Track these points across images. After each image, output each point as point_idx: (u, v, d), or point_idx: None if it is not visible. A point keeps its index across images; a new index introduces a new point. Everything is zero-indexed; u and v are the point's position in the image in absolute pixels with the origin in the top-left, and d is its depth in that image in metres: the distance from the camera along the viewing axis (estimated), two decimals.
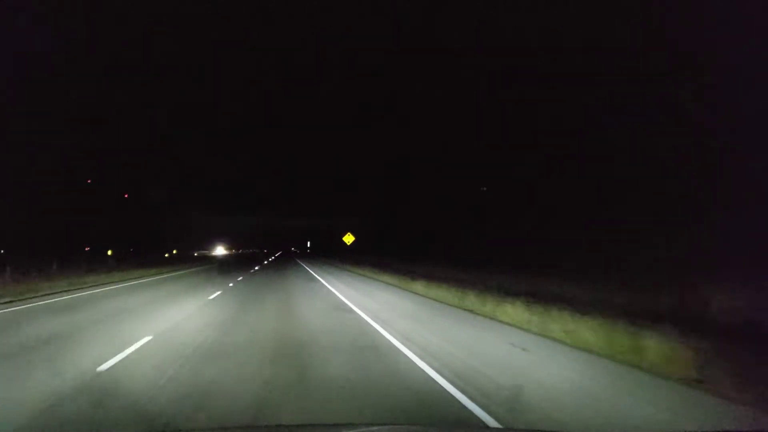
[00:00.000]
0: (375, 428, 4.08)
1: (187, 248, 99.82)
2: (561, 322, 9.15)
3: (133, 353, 7.61)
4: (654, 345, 6.90)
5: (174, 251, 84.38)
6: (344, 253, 52.89)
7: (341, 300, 15.95)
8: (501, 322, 11.05)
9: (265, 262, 54.38)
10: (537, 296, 12.53)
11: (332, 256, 68.70)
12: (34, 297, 15.96)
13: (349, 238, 41.48)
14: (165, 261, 53.70)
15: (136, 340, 8.51)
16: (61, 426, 4.62)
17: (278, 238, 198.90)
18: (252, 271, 35.82)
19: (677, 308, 10.97)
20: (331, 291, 19.66)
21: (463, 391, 5.67)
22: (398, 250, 56.52)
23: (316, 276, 30.04)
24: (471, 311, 12.89)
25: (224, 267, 44.43)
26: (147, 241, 73.94)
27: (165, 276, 30.88)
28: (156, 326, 10.18)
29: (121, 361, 7.04)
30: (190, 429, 4.56)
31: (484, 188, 53.26)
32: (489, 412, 4.93)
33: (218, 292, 18.11)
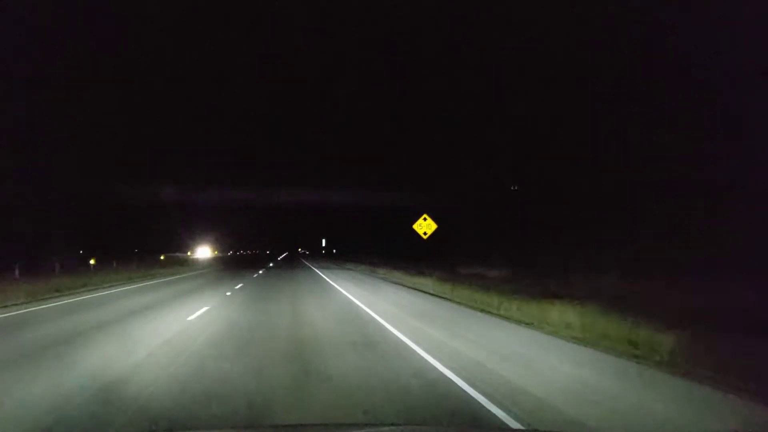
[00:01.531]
0: (386, 428, 4.13)
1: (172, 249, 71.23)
2: None
3: None
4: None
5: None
6: (412, 257, 30.77)
7: None
8: None
9: (236, 287, 21.05)
10: None
11: (375, 260, 41.05)
12: None
13: (426, 227, 20.09)
14: None
15: None
16: (69, 426, 4.39)
17: (283, 235, 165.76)
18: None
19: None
20: None
21: None
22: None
23: None
24: None
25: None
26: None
27: None
28: None
29: None
30: (193, 428, 4.39)
31: (515, 187, 45.94)
32: None
33: None
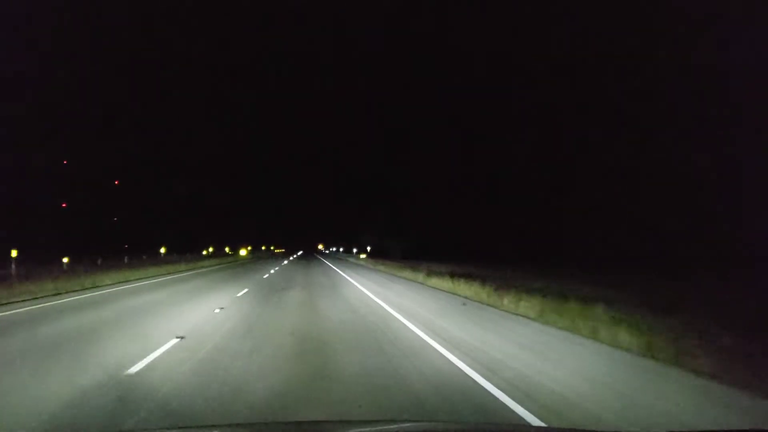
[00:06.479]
0: (402, 425, 3.81)
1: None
2: None
3: None
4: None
5: None
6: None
7: None
8: None
9: None
10: None
11: None
12: None
13: None
14: None
15: None
16: (84, 423, 4.43)
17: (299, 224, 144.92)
18: None
19: None
20: None
21: None
22: None
23: None
24: None
25: None
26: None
27: None
28: None
29: None
30: (209, 425, 4.36)
31: None
32: None
33: None
